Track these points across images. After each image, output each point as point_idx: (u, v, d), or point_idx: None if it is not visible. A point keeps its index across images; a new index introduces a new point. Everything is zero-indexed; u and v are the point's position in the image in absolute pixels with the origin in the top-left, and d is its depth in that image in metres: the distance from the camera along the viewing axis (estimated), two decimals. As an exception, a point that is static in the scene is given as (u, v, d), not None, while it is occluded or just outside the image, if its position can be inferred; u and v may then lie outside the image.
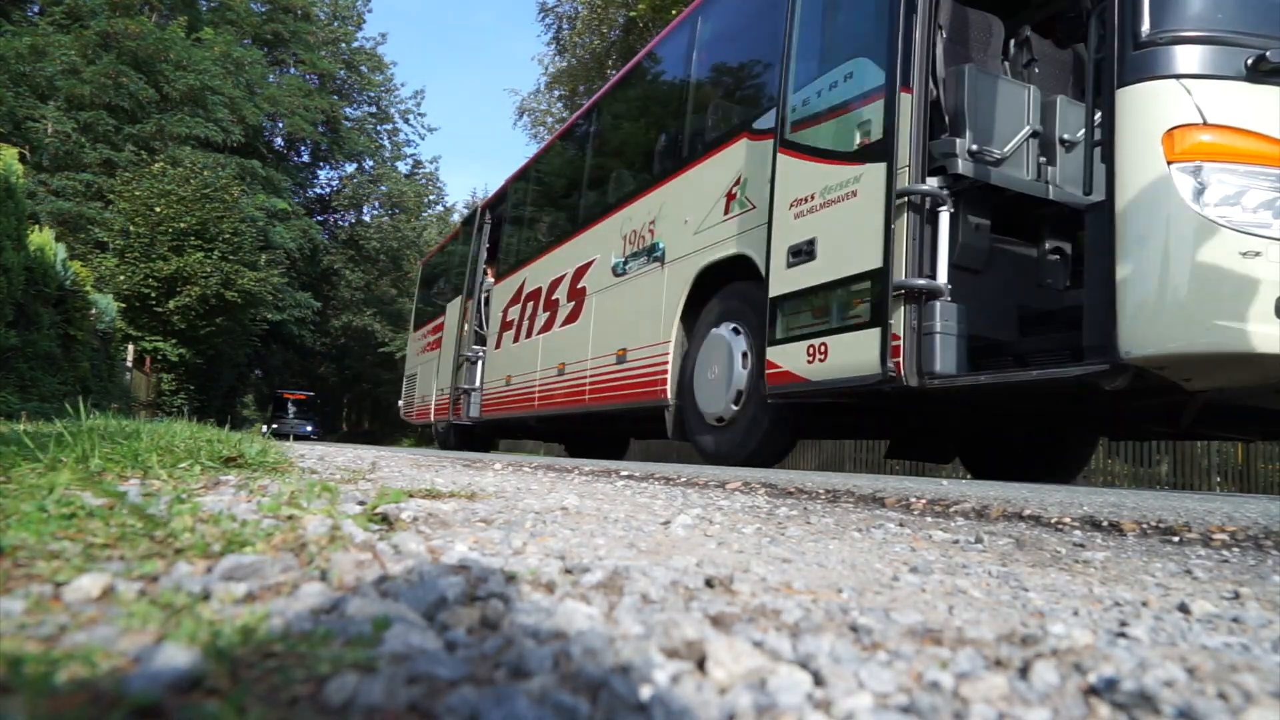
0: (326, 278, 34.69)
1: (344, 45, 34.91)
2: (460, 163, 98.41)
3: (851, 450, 11.65)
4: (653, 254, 5.59)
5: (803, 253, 3.96)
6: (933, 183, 3.43)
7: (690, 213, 5.17)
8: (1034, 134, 3.76)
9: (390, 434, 32.84)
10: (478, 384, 9.16)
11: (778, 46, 4.43)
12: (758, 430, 4.37)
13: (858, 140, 3.72)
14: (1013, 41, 4.38)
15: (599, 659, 0.60)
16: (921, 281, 3.38)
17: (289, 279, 27.71)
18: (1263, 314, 2.55)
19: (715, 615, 0.77)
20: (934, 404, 3.92)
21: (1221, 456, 8.34)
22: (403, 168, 38.41)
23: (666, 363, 5.24)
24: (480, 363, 9.21)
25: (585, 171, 7.44)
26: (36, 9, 24.14)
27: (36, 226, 10.78)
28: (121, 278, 18.06)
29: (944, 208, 3.43)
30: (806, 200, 3.99)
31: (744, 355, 4.48)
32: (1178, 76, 2.70)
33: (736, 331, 4.58)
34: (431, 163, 46.49)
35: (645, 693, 0.55)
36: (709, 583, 0.91)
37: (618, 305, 6.08)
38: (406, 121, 38.08)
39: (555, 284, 7.27)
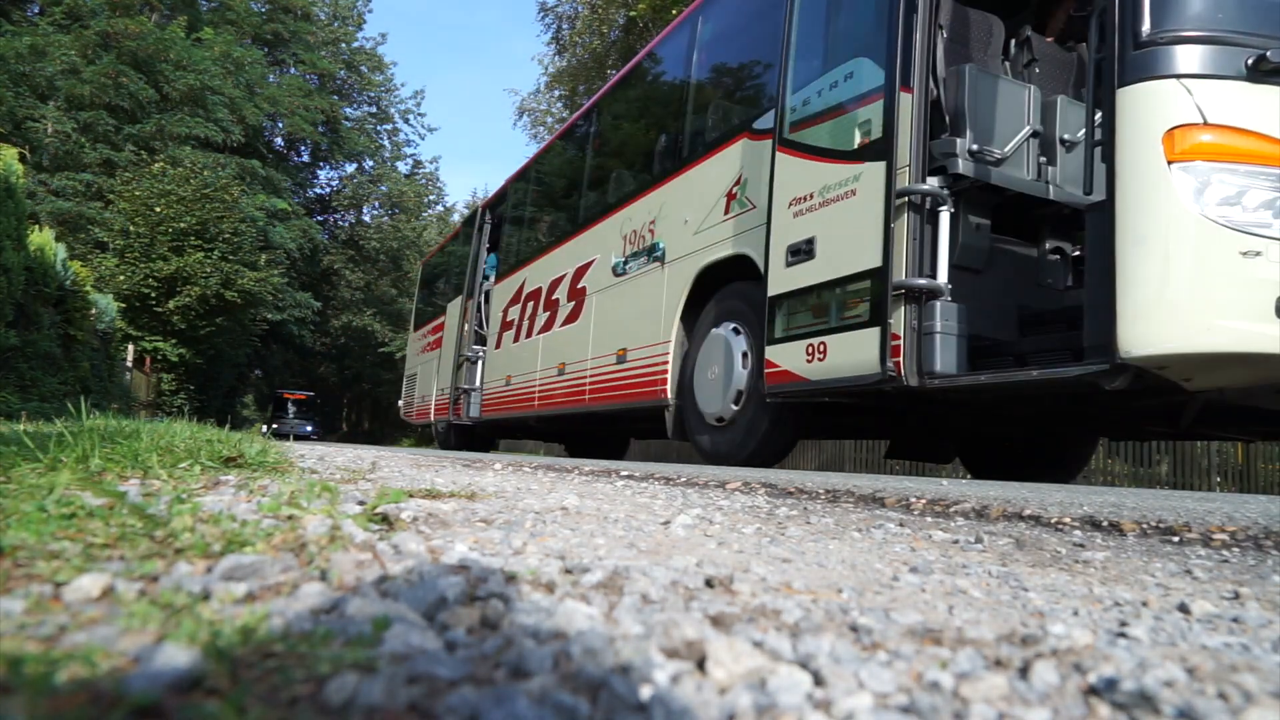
0: (326, 278, 34.71)
1: (344, 45, 34.93)
2: (460, 163, 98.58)
3: (851, 450, 11.65)
4: (653, 254, 5.59)
5: (801, 252, 3.96)
6: (933, 182, 3.44)
7: (690, 213, 5.17)
8: (1034, 134, 3.76)
9: (390, 434, 32.87)
10: (478, 384, 9.16)
11: (778, 46, 4.43)
12: (758, 430, 4.37)
13: (858, 140, 3.72)
14: (1013, 41, 4.38)
15: (599, 659, 0.60)
16: (921, 281, 3.38)
17: (289, 279, 27.70)
18: (1263, 314, 2.55)
19: (715, 615, 0.76)
20: (934, 404, 3.92)
21: (1221, 456, 8.34)
22: (403, 168, 38.50)
23: (666, 362, 5.23)
24: (480, 363, 9.21)
25: (585, 171, 7.44)
26: (36, 9, 24.15)
27: (36, 226, 10.78)
28: (121, 278, 18.07)
29: (944, 207, 3.43)
30: (805, 199, 3.99)
31: (744, 355, 4.47)
32: (1178, 76, 2.70)
33: (736, 331, 4.58)
34: (431, 163, 46.59)
35: (645, 693, 0.55)
36: (709, 583, 0.91)
37: (618, 305, 6.08)
38: (406, 121, 38.15)
39: (555, 284, 7.27)
